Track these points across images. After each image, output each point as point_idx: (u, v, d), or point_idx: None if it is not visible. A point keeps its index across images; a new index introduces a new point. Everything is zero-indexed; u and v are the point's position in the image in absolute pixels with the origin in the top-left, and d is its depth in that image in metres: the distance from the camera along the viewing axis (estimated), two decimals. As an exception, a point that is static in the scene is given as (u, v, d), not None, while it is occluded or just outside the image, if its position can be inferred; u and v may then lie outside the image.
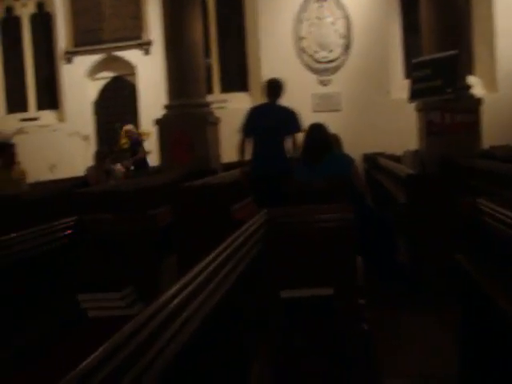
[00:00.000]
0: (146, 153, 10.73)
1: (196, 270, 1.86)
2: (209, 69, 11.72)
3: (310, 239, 2.98)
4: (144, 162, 10.59)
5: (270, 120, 5.95)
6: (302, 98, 11.79)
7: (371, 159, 10.63)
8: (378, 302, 3.97)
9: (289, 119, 5.95)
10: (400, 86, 11.59)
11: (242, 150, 6.06)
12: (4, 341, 2.71)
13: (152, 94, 12.22)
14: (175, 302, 1.59)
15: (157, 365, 1.34)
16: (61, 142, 12.98)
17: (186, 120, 8.38)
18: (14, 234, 3.03)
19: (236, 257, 2.27)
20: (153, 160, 10.33)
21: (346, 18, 12.09)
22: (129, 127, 10.94)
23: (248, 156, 6.08)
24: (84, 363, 1.10)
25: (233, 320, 2.31)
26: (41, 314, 3.05)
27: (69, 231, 3.39)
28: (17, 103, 14.07)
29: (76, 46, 13.40)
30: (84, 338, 2.94)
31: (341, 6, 12.08)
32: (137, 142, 10.73)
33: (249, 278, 2.52)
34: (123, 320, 3.14)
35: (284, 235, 2.98)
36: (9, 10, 13.97)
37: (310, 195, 4.42)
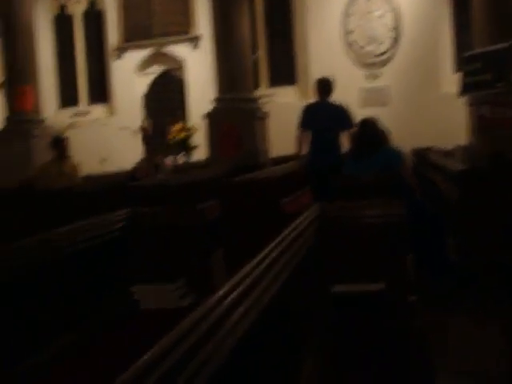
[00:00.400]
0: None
1: (250, 265, 1.87)
2: (256, 63, 11.71)
3: (362, 234, 2.96)
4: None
5: (323, 118, 6.17)
6: (350, 92, 11.67)
7: (420, 154, 10.45)
8: (428, 298, 3.91)
9: (341, 116, 6.16)
10: (450, 80, 11.36)
11: (299, 145, 6.31)
12: (59, 330, 2.77)
13: (200, 88, 12.28)
14: (230, 297, 1.59)
15: (213, 361, 1.35)
16: (111, 136, 13.17)
17: (235, 114, 8.41)
18: (70, 227, 3.09)
19: (289, 252, 2.27)
20: (201, 155, 10.37)
21: (395, 10, 11.90)
22: (145, 124, 10.88)
23: (305, 151, 6.29)
24: (141, 360, 1.10)
25: (284, 315, 2.31)
26: (95, 304, 3.11)
27: (122, 223, 3.45)
28: (68, 98, 14.34)
29: (126, 41, 13.58)
30: (137, 328, 2.98)
31: (389, -1, 11.91)
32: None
33: (300, 273, 2.52)
34: (175, 312, 3.17)
35: (335, 230, 2.96)
36: (62, 7, 14.25)
37: (359, 190, 4.39)
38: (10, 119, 10.26)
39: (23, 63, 10.15)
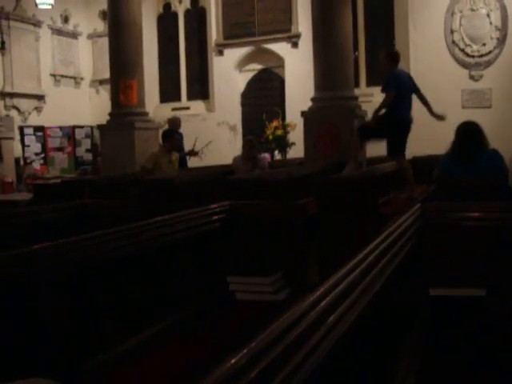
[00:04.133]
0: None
1: (349, 265, 1.83)
2: (355, 62, 11.56)
3: (465, 237, 2.86)
4: (184, 158, 9.91)
5: (408, 82, 7.16)
6: (452, 93, 11.35)
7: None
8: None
9: (413, 82, 7.28)
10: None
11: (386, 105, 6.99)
12: (157, 315, 2.84)
13: (299, 86, 12.27)
14: (330, 296, 1.57)
15: (311, 360, 1.33)
16: (210, 131, 13.39)
17: (334, 112, 8.34)
18: (173, 215, 3.16)
19: (389, 253, 2.22)
20: (298, 152, 10.35)
21: (502, 8, 11.40)
22: (173, 117, 10.89)
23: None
24: (234, 359, 1.09)
25: (382, 316, 2.27)
26: (192, 292, 3.16)
27: (222, 215, 3.49)
28: (170, 93, 14.73)
29: (227, 38, 13.77)
30: (232, 318, 3.02)
31: (497, -4, 11.42)
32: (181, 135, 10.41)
33: (400, 275, 2.46)
34: (270, 305, 3.17)
35: (437, 231, 2.87)
36: (166, 6, 14.65)
37: (464, 193, 4.24)
38: (115, 112, 10.63)
39: (128, 59, 10.47)
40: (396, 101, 6.88)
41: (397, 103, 6.93)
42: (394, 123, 6.95)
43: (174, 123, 10.56)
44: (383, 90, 7.12)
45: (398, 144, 6.91)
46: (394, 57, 7.35)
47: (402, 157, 7.03)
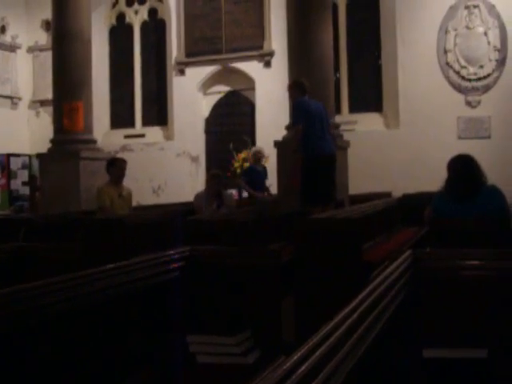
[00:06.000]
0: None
1: (331, 324, 1.82)
2: (336, 85, 11.72)
3: (463, 289, 2.87)
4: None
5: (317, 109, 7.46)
6: (446, 121, 11.54)
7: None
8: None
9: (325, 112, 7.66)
10: None
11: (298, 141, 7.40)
12: (111, 379, 2.78)
13: (271, 111, 12.38)
14: (309, 361, 1.54)
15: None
16: (168, 162, 13.41)
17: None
18: (123, 263, 3.12)
19: (377, 309, 2.21)
20: (270, 187, 10.38)
21: (501, 27, 11.73)
22: (258, 148, 10.79)
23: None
24: None
25: (371, 381, 2.25)
26: (145, 354, 3.11)
27: (180, 263, 3.46)
28: (122, 118, 14.75)
29: (189, 56, 13.85)
30: (192, 385, 2.96)
31: (495, 14, 11.75)
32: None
33: (389, 334, 2.45)
34: (238, 370, 3.13)
35: (432, 284, 2.88)
36: (120, 17, 14.71)
37: (461, 236, 4.28)
38: (58, 138, 10.56)
39: (75, 77, 10.45)
40: (306, 131, 7.06)
41: (307, 134, 7.10)
42: (306, 160, 7.10)
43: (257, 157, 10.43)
44: (292, 125, 7.43)
45: (313, 186, 7.02)
46: (302, 86, 7.57)
47: (325, 205, 6.90)
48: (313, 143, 7.08)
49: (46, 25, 14.43)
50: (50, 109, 11.77)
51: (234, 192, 10.16)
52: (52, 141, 10.71)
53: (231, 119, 13.70)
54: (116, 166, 7.86)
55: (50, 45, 11.29)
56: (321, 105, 7.55)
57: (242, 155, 11.64)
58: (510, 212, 5.42)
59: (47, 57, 12.31)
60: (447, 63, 11.98)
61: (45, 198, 10.49)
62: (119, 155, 12.15)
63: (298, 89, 7.49)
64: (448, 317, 2.92)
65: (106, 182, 8.03)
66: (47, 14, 11.88)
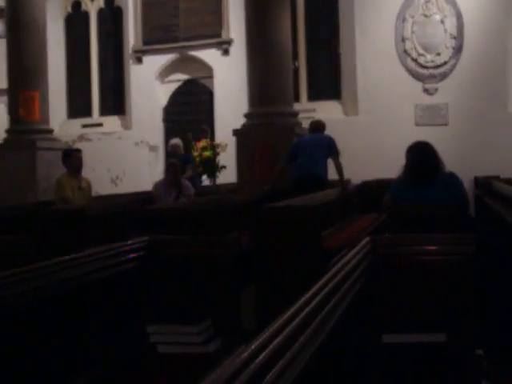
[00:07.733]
0: (195, 171, 10.48)
1: (290, 311, 1.82)
2: (295, 73, 11.73)
3: (421, 275, 2.90)
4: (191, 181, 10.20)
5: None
6: (404, 108, 11.64)
7: (485, 184, 10.31)
8: (497, 353, 3.81)
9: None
10: (521, 98, 11.28)
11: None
12: (69, 371, 2.75)
13: (230, 100, 12.35)
14: (269, 349, 1.55)
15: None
16: (126, 152, 13.29)
17: (270, 131, 8.40)
18: (80, 254, 3.08)
19: (336, 296, 2.22)
20: (229, 176, 10.37)
21: (458, 15, 11.85)
22: (175, 141, 10.81)
23: None
24: None
25: (329, 368, 2.26)
26: (105, 346, 3.08)
27: (138, 253, 3.43)
28: (79, 107, 14.55)
29: (146, 44, 13.73)
30: (152, 376, 2.95)
31: (451, 2, 11.84)
32: (186, 159, 10.47)
33: (348, 320, 2.47)
34: (198, 359, 3.13)
35: (390, 269, 2.91)
36: (76, 5, 14.50)
37: (416, 222, 4.33)
38: (13, 128, 10.41)
39: (30, 66, 10.30)
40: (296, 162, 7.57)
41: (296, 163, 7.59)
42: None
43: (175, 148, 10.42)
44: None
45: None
46: (310, 125, 8.24)
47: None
48: (298, 167, 7.52)
49: (0, 12, 14.16)
50: (5, 99, 11.58)
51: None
52: (7, 131, 10.54)
53: (190, 108, 13.63)
54: (72, 158, 7.75)
55: (4, 33, 11.10)
56: (321, 137, 8.01)
57: (201, 144, 11.58)
58: (467, 198, 5.50)
59: (1, 46, 12.09)
60: (405, 51, 12.07)
61: (1, 188, 10.33)
62: (77, 145, 12.03)
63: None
64: (407, 302, 2.95)
65: (64, 173, 7.91)
66: (0, 1, 11.68)
